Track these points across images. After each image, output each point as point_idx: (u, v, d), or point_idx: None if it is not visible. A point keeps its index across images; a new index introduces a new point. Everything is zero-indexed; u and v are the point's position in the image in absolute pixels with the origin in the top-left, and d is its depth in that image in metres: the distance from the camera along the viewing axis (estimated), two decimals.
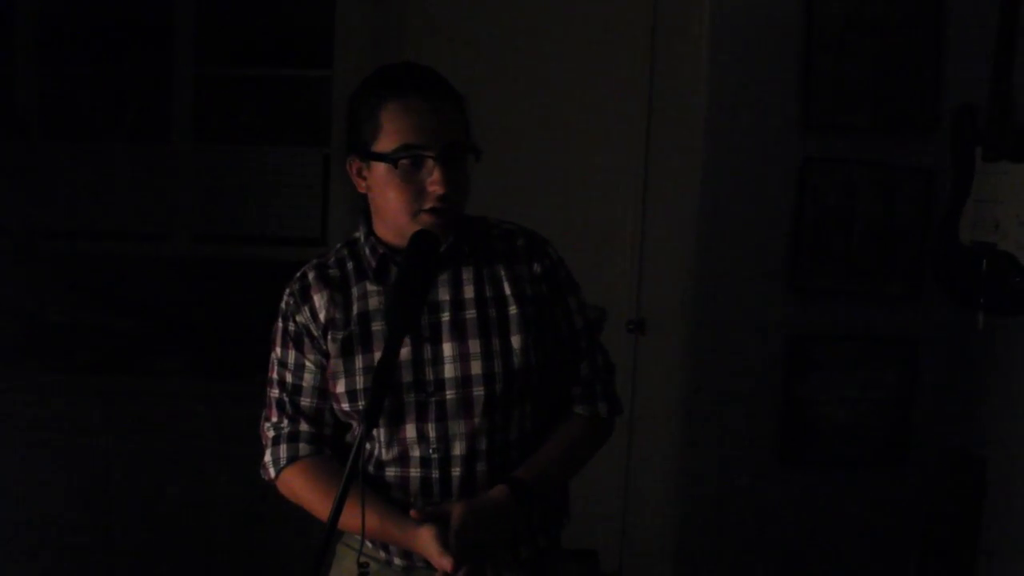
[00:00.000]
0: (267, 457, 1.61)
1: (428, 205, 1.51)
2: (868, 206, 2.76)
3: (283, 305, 1.61)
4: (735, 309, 2.88)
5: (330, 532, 1.31)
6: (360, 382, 1.54)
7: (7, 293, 3.12)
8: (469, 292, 1.57)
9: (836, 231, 2.78)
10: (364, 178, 1.56)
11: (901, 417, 2.82)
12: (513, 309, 1.57)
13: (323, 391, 1.59)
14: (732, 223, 2.86)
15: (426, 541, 1.45)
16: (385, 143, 1.50)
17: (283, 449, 1.59)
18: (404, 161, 1.49)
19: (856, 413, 2.81)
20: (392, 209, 1.53)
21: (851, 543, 2.88)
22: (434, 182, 1.49)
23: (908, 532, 2.85)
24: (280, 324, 1.62)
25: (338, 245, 1.66)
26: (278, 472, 1.59)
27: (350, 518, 1.44)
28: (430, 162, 1.49)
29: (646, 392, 3.36)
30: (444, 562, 1.42)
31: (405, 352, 1.53)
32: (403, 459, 1.55)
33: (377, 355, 1.53)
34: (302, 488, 1.58)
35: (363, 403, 1.53)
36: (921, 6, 2.71)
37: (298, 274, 1.63)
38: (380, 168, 1.51)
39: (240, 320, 3.18)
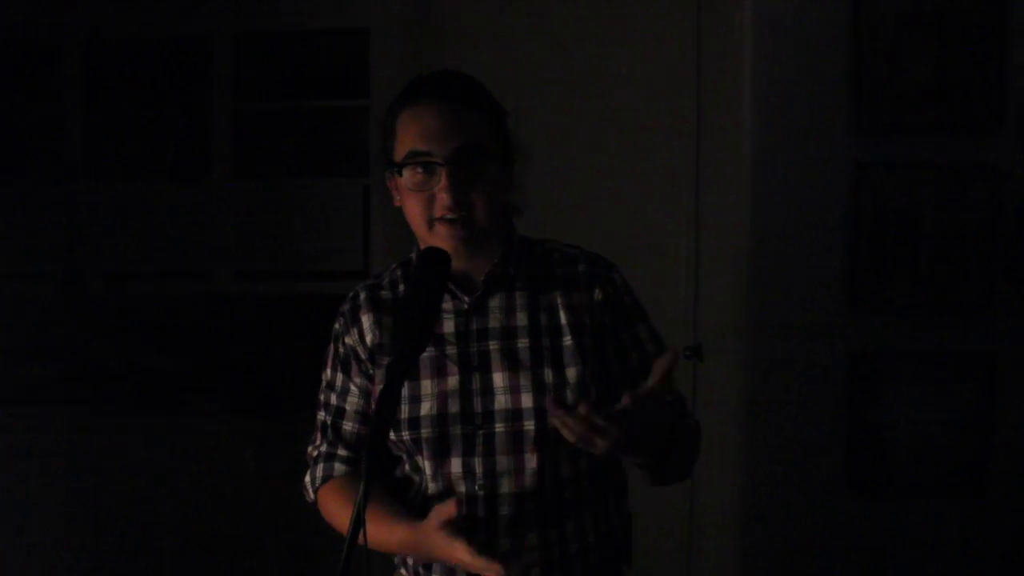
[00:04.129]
0: (306, 478, 1.59)
1: (438, 215, 1.43)
2: (932, 211, 2.56)
3: (336, 326, 1.58)
4: (795, 328, 2.71)
5: (348, 556, 1.19)
6: (405, 411, 1.46)
7: (51, 333, 3.17)
8: (522, 319, 1.48)
9: (898, 240, 2.59)
10: (398, 192, 1.50)
11: (980, 441, 2.58)
12: (568, 340, 1.47)
13: (366, 416, 1.54)
14: (786, 237, 2.70)
15: (460, 552, 1.35)
16: (399, 152, 1.46)
17: (320, 469, 1.57)
18: (412, 168, 1.43)
19: (929, 436, 2.58)
20: (412, 220, 1.47)
21: None
22: (441, 188, 1.41)
23: (989, 568, 2.60)
24: (331, 346, 1.58)
25: (393, 265, 1.61)
26: (315, 491, 1.57)
27: (377, 536, 1.38)
28: (440, 169, 1.41)
29: (706, 420, 3.16)
30: (492, 566, 1.33)
31: (452, 381, 1.46)
32: (448, 494, 1.45)
33: (425, 383, 1.47)
34: (332, 506, 1.54)
35: (407, 434, 1.46)
36: None
37: (351, 294, 1.59)
38: (400, 180, 1.46)
39: (282, 357, 3.14)
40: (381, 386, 1.37)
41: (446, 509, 1.36)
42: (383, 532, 1.43)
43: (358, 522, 1.16)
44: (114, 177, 3.24)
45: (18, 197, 3.24)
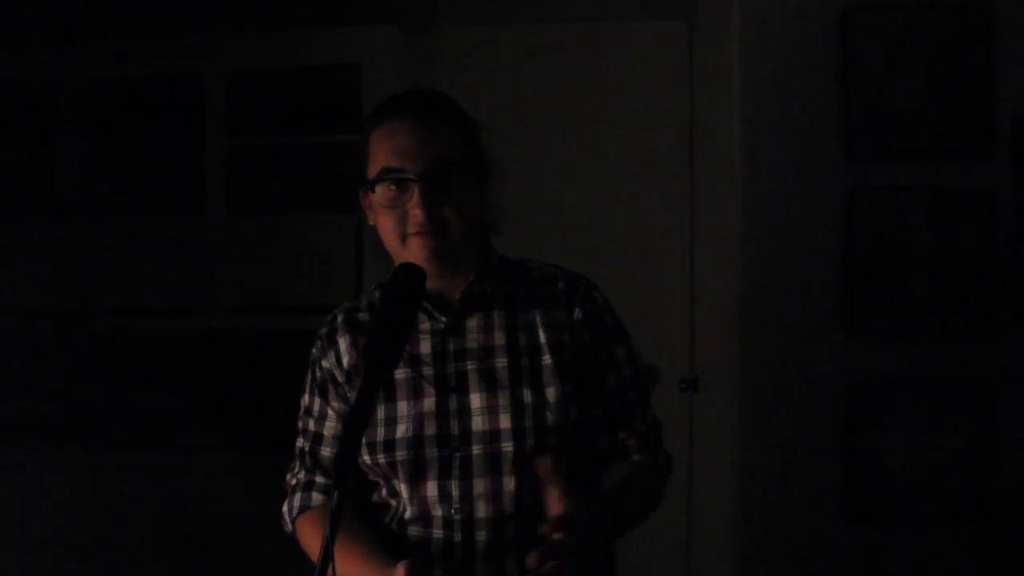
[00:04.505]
0: (284, 507, 1.55)
1: (411, 230, 1.41)
2: (925, 235, 2.53)
3: (313, 350, 1.55)
4: (790, 356, 2.66)
5: None
6: (380, 434, 1.44)
7: (43, 371, 3.16)
8: (500, 339, 1.46)
9: (892, 265, 2.55)
10: (371, 210, 1.49)
11: (980, 468, 2.52)
12: (547, 359, 1.45)
13: None
14: (779, 265, 2.68)
15: None
16: (372, 169, 1.45)
17: (297, 499, 1.53)
18: (386, 185, 1.42)
19: (929, 463, 2.52)
20: (385, 237, 1.46)
21: None
22: (414, 205, 1.40)
23: None
24: (309, 371, 1.56)
25: (372, 287, 1.60)
26: (292, 522, 1.53)
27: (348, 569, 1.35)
28: (413, 185, 1.40)
29: (702, 454, 3.16)
30: None
31: (429, 402, 1.43)
32: (424, 518, 1.43)
33: (401, 404, 1.44)
34: (308, 538, 1.50)
35: (383, 457, 1.43)
36: (967, 19, 2.53)
37: (328, 317, 1.57)
38: (374, 197, 1.45)
39: (275, 392, 3.12)
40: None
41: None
42: (352, 570, 1.39)
43: (327, 557, 1.10)
44: (109, 213, 3.26)
45: (13, 233, 3.25)
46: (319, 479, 1.53)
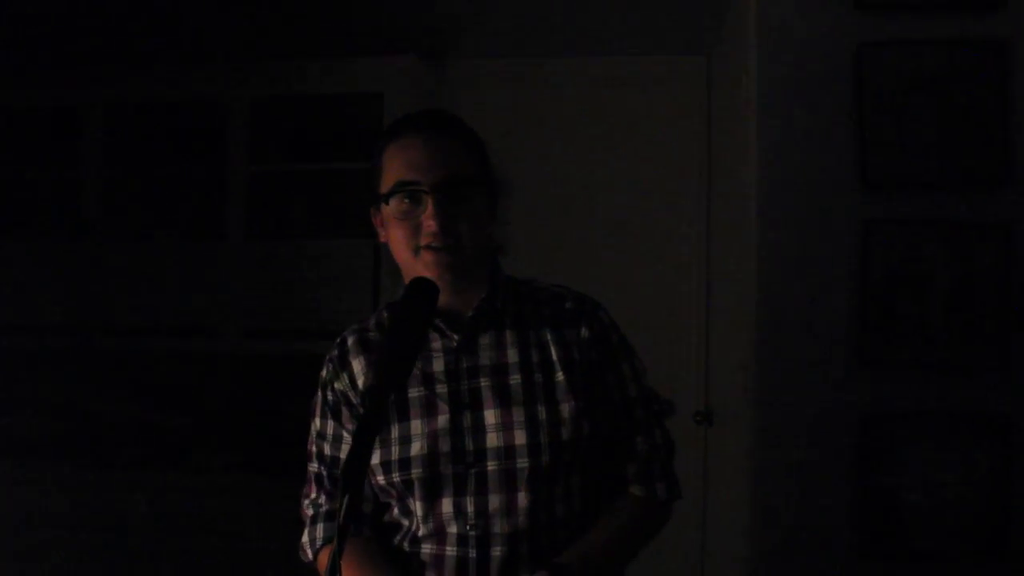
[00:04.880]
0: (305, 537, 1.53)
1: (424, 242, 1.43)
2: (940, 268, 2.53)
3: (323, 373, 1.55)
4: (804, 389, 2.64)
5: None
6: (395, 453, 1.44)
7: (58, 389, 3.17)
8: (513, 356, 1.47)
9: (907, 297, 2.55)
10: (384, 226, 1.51)
11: (997, 504, 2.48)
12: (560, 375, 1.46)
13: None
14: (794, 297, 2.66)
15: None
16: (386, 183, 1.47)
17: (320, 529, 1.50)
18: (399, 198, 1.44)
19: (944, 498, 2.49)
20: (397, 251, 1.47)
21: None
22: (427, 216, 1.42)
23: None
24: (319, 394, 1.55)
25: (380, 307, 1.61)
26: (315, 553, 1.51)
27: None
28: (426, 197, 1.42)
29: (717, 486, 3.13)
30: None
31: (443, 420, 1.43)
32: (439, 535, 1.42)
33: (415, 423, 1.44)
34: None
35: (397, 475, 1.43)
36: (983, 54, 2.54)
37: (338, 340, 1.57)
38: (387, 211, 1.47)
39: (289, 415, 3.12)
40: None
41: None
42: None
43: (334, 567, 1.09)
44: (130, 235, 3.29)
45: (36, 253, 3.29)
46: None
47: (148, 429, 3.18)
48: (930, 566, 2.51)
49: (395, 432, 1.45)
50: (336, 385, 1.52)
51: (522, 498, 1.40)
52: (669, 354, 3.29)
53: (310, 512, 1.54)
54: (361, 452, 1.17)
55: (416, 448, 1.43)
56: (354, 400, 1.51)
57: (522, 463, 1.41)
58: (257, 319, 3.21)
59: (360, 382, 1.50)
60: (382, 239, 1.52)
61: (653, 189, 3.37)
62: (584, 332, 1.50)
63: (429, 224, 1.42)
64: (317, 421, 1.55)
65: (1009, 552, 2.48)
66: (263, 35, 3.46)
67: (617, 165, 3.38)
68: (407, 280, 1.46)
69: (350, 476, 1.14)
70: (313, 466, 1.55)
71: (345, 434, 1.52)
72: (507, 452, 1.41)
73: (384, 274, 3.16)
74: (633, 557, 1.50)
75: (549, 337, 1.49)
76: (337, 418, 1.52)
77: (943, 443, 2.51)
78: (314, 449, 1.55)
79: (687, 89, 3.36)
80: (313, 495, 1.54)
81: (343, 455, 1.51)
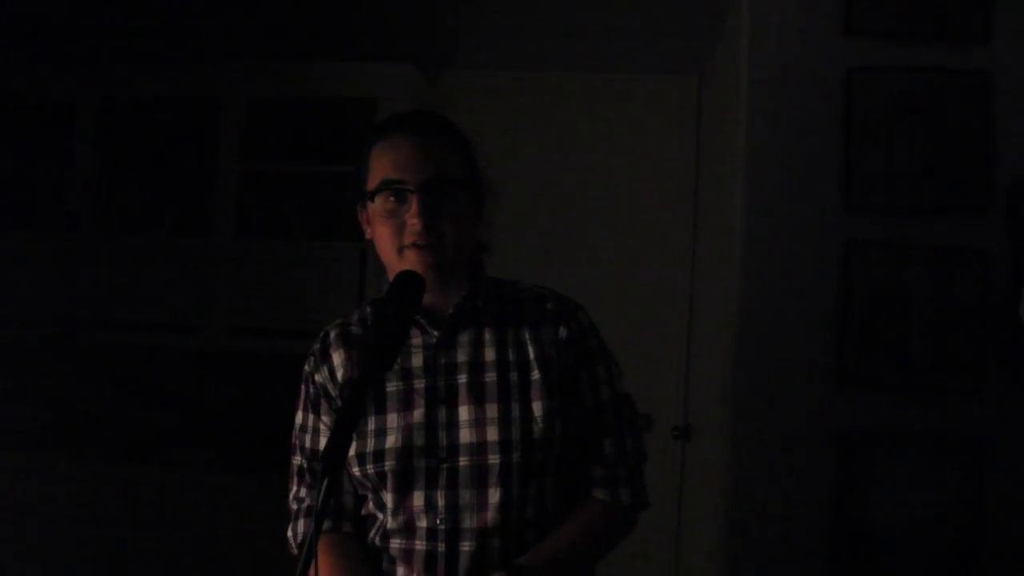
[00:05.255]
0: (289, 532, 1.56)
1: (408, 241, 1.45)
2: (921, 291, 2.57)
3: (306, 367, 1.57)
4: (782, 407, 2.67)
5: None
6: (370, 445, 1.46)
7: (42, 382, 3.16)
8: (490, 354, 1.49)
9: (887, 319, 2.58)
10: (369, 224, 1.53)
11: (968, 525, 2.51)
12: (536, 374, 1.48)
13: None
14: (776, 316, 2.69)
15: None
16: (372, 181, 1.49)
17: (302, 524, 1.54)
18: (385, 196, 1.46)
19: (917, 520, 2.52)
20: (382, 249, 1.50)
21: None
22: (412, 215, 1.45)
23: None
24: (302, 388, 1.58)
25: (364, 303, 1.64)
26: (299, 547, 1.54)
27: None
28: (411, 197, 1.44)
29: (693, 501, 3.15)
30: None
31: (418, 414, 1.46)
32: (409, 529, 1.44)
33: (391, 416, 1.47)
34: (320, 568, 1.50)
35: (371, 467, 1.45)
36: (968, 85, 2.60)
37: (321, 334, 1.60)
38: (372, 208, 1.49)
39: (270, 414, 3.12)
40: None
41: None
42: None
43: (309, 553, 1.11)
44: (120, 229, 3.29)
45: (25, 245, 3.28)
46: None
47: (129, 423, 3.16)
48: None
49: (371, 424, 1.47)
50: (316, 378, 1.54)
51: (492, 494, 1.42)
52: (650, 370, 3.32)
53: (294, 507, 1.57)
54: (340, 440, 1.19)
55: (391, 441, 1.45)
56: (333, 393, 1.53)
57: (493, 459, 1.42)
58: (243, 317, 3.21)
59: (339, 375, 1.53)
60: (367, 236, 1.55)
61: (640, 206, 3.40)
62: (562, 332, 1.52)
63: (413, 223, 1.44)
64: (299, 414, 1.57)
65: (980, 572, 2.52)
66: (259, 35, 3.48)
67: (606, 181, 3.42)
68: (391, 277, 1.49)
69: (329, 463, 1.17)
70: (295, 459, 1.57)
71: (322, 427, 1.54)
72: (479, 448, 1.43)
73: (369, 278, 3.16)
74: (595, 561, 1.52)
75: (527, 336, 1.51)
76: (316, 411, 1.54)
77: (918, 464, 2.54)
78: (296, 442, 1.58)
79: (677, 109, 3.41)
80: (295, 489, 1.57)
81: (321, 447, 1.52)
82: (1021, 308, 2.31)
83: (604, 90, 3.44)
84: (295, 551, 1.55)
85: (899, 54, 2.62)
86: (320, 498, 1.13)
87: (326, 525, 1.51)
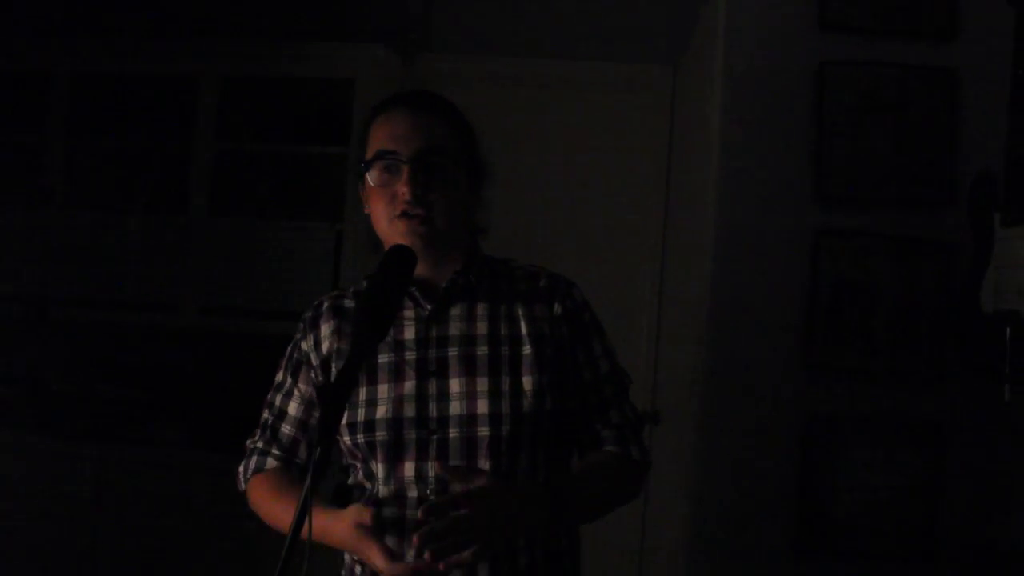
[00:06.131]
0: (240, 468, 1.62)
1: (398, 210, 1.48)
2: (886, 281, 2.65)
3: (296, 334, 1.60)
4: (749, 393, 2.73)
5: (292, 544, 1.18)
6: (361, 415, 1.48)
7: (13, 358, 3.13)
8: (482, 328, 1.51)
9: (853, 307, 2.66)
10: (367, 200, 1.56)
11: (928, 506, 2.60)
12: (527, 349, 1.50)
13: (304, 424, 1.57)
14: (744, 302, 2.75)
15: (373, 555, 1.37)
16: (368, 154, 1.52)
17: (252, 462, 1.59)
18: (379, 166, 1.49)
19: (878, 501, 2.60)
20: (377, 221, 1.52)
21: None
22: (402, 183, 1.47)
23: None
24: (288, 348, 1.61)
25: (363, 277, 1.64)
26: (245, 482, 1.60)
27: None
28: (403, 167, 1.47)
29: (659, 485, 3.20)
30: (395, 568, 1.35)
31: (409, 386, 1.48)
32: (400, 499, 1.46)
33: (382, 387, 1.49)
34: (260, 498, 1.56)
35: (362, 436, 1.47)
36: (935, 81, 2.67)
37: (315, 302, 1.62)
38: (368, 180, 1.52)
39: (243, 394, 3.11)
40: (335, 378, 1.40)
41: (363, 513, 1.38)
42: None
43: (305, 507, 1.16)
44: (93, 206, 3.26)
45: None
46: (275, 451, 1.59)
47: (100, 401, 3.15)
48: (862, 565, 2.62)
49: (362, 395, 1.49)
50: (303, 345, 1.57)
51: (482, 465, 1.44)
52: (619, 354, 3.36)
53: (248, 446, 1.62)
54: (336, 406, 1.25)
55: (381, 411, 1.48)
56: (314, 362, 1.55)
57: (483, 432, 1.45)
58: (216, 296, 3.20)
59: (324, 347, 1.55)
60: (366, 211, 1.57)
61: (612, 192, 3.45)
62: (557, 309, 1.55)
63: (403, 191, 1.47)
64: (280, 374, 1.61)
65: (935, 553, 2.61)
66: (238, 13, 3.46)
67: (579, 166, 3.46)
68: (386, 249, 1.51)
69: (325, 428, 1.23)
70: (264, 413, 1.62)
71: (296, 392, 1.57)
72: (469, 420, 1.45)
73: (345, 259, 3.18)
74: (613, 505, 1.55)
75: (520, 312, 1.53)
76: (295, 376, 1.58)
77: (880, 448, 2.63)
78: (269, 397, 1.62)
79: (653, 97, 3.45)
80: (256, 436, 1.62)
81: (290, 410, 1.58)
82: (982, 299, 2.38)
83: (578, 77, 3.48)
84: (242, 486, 1.62)
85: (870, 49, 2.68)
86: (314, 461, 1.20)
87: (272, 464, 1.57)
